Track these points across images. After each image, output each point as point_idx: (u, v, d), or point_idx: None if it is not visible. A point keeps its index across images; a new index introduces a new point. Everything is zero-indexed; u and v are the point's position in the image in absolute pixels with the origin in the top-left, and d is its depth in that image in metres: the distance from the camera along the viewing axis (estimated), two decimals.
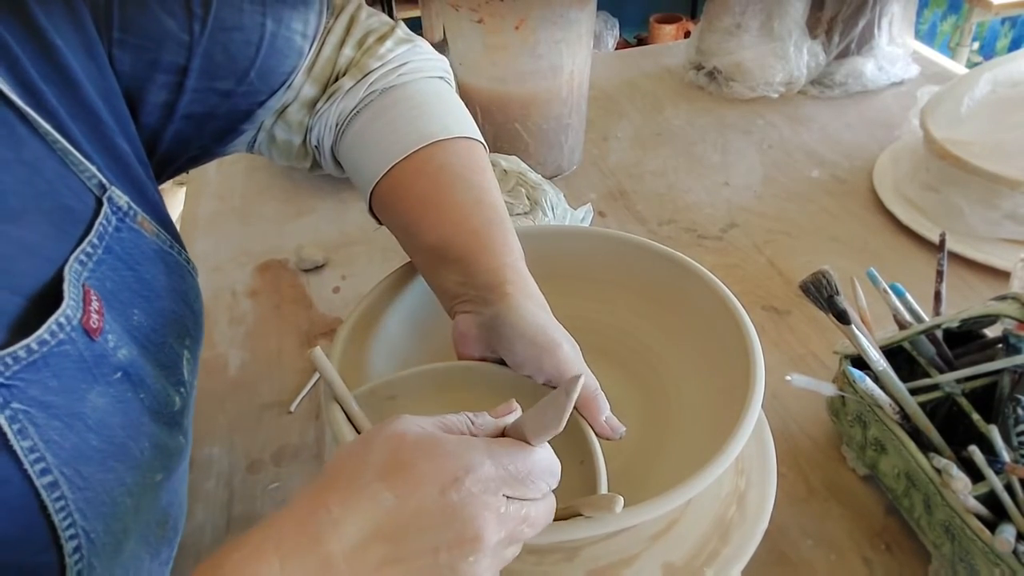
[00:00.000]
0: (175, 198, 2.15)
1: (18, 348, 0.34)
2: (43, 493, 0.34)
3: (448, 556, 0.31)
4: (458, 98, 0.56)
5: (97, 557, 0.37)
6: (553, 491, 0.38)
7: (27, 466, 0.34)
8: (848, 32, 1.16)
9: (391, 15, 2.34)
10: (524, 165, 0.85)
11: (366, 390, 0.46)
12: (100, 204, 0.41)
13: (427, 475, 0.31)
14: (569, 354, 0.44)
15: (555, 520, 0.39)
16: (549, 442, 0.44)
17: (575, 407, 0.43)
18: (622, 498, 0.36)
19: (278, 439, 0.68)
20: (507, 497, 0.33)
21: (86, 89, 0.41)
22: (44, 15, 0.39)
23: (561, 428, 0.34)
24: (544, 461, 0.35)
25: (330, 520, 0.30)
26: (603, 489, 0.40)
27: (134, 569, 0.41)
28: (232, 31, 0.47)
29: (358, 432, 0.44)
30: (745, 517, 0.46)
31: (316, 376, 0.74)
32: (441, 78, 0.56)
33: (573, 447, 0.44)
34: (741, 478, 0.49)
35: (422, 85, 0.54)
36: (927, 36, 2.64)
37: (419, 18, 2.55)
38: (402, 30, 0.55)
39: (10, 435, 0.33)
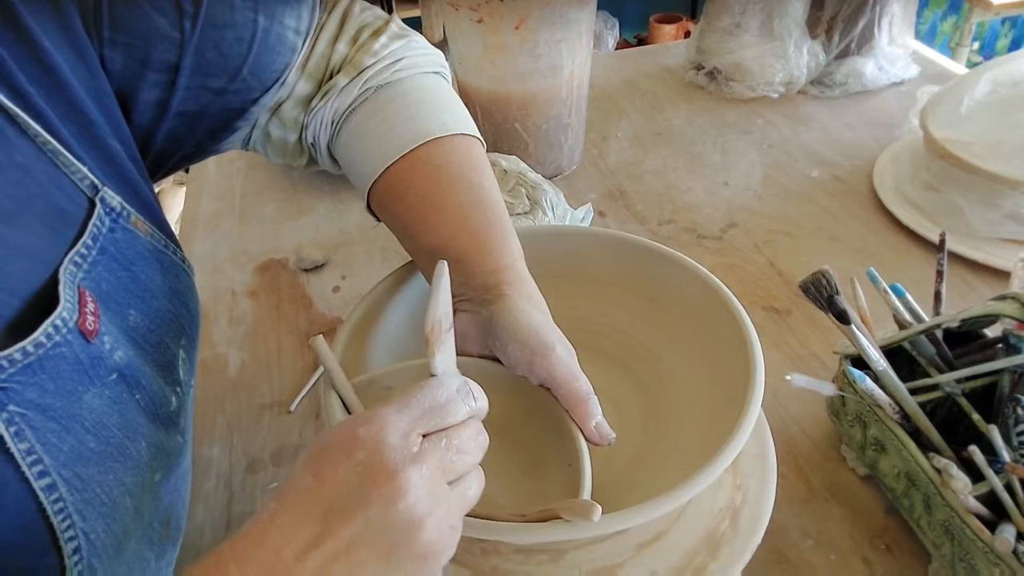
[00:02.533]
0: (175, 198, 2.15)
1: (14, 351, 0.34)
2: (41, 495, 0.34)
3: (379, 510, 0.31)
4: (454, 93, 0.56)
5: (97, 558, 0.37)
6: (541, 491, 0.38)
7: (24, 469, 0.34)
8: (848, 32, 1.16)
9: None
10: (524, 165, 0.85)
11: (364, 380, 0.47)
12: (93, 205, 0.41)
13: (335, 449, 0.32)
14: (561, 357, 0.44)
15: (534, 521, 0.39)
16: (544, 444, 0.44)
17: (568, 411, 0.43)
18: (600, 507, 0.36)
19: (278, 439, 0.68)
20: (422, 436, 0.34)
21: (75, 90, 0.41)
22: (31, 17, 0.39)
23: (428, 326, 0.35)
24: (450, 384, 0.36)
25: (270, 517, 0.31)
26: (586, 495, 0.40)
27: (139, 569, 0.41)
28: (223, 28, 0.47)
29: None
30: (737, 533, 0.46)
31: (316, 376, 0.74)
32: (437, 73, 0.56)
33: (562, 450, 0.43)
34: (738, 493, 0.48)
35: (418, 81, 0.54)
36: (927, 36, 2.64)
37: (419, 18, 2.55)
38: (396, 24, 0.55)
39: (7, 438, 0.33)
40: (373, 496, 0.31)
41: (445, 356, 0.37)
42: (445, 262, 0.37)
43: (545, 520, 0.39)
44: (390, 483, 0.31)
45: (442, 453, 0.34)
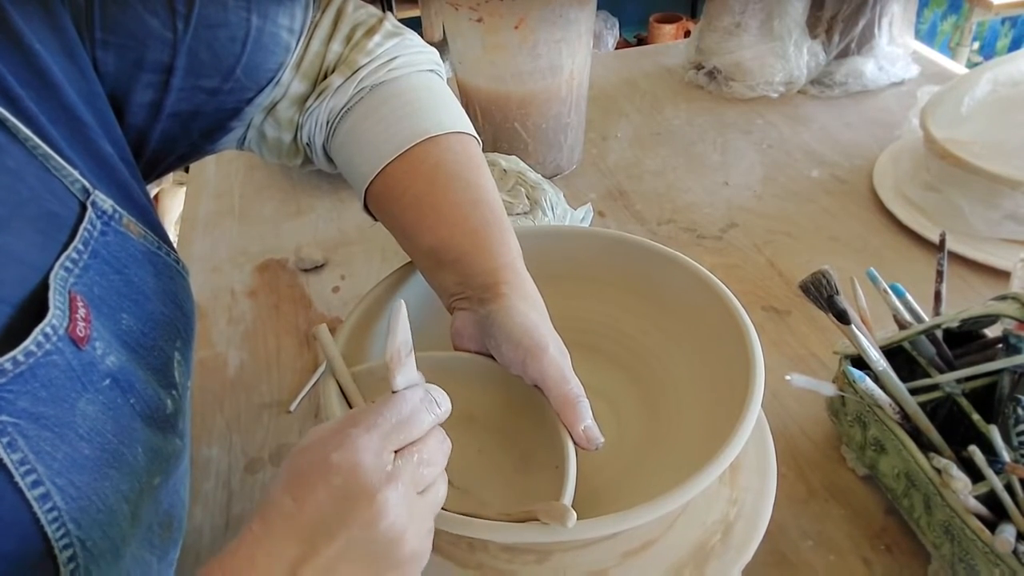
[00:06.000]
0: (175, 198, 2.15)
1: (4, 360, 0.33)
2: (35, 505, 0.34)
3: (360, 531, 0.33)
4: (449, 91, 0.56)
5: (95, 564, 0.37)
6: (530, 490, 0.37)
7: (18, 479, 0.33)
8: (848, 32, 1.16)
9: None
10: (523, 165, 0.85)
11: (364, 369, 0.47)
12: (84, 208, 0.40)
13: (311, 473, 0.33)
14: (554, 359, 0.44)
15: (517, 520, 0.39)
16: (535, 443, 0.43)
17: (558, 413, 0.43)
18: (575, 514, 0.37)
19: (277, 439, 0.68)
20: (394, 452, 0.35)
21: (66, 92, 0.40)
22: (22, 19, 0.39)
23: (388, 356, 0.36)
24: (412, 397, 0.37)
25: (253, 540, 0.32)
26: (567, 499, 0.40)
27: (140, 573, 0.41)
28: (216, 28, 0.46)
29: (350, 407, 0.45)
30: (728, 547, 0.45)
31: (315, 376, 0.74)
32: (432, 71, 0.56)
33: (551, 451, 0.43)
34: (732, 508, 0.48)
35: (413, 80, 0.53)
36: (927, 36, 2.64)
37: (418, 17, 2.55)
38: (390, 22, 0.54)
39: None
40: (354, 519, 0.32)
41: (405, 376, 0.37)
42: (403, 302, 0.38)
43: (526, 521, 0.39)
44: (370, 506, 0.33)
45: (413, 468, 0.35)
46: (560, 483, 0.41)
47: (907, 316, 0.58)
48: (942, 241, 0.60)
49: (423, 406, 0.37)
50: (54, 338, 0.36)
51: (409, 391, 0.37)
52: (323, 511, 0.32)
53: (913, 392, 0.54)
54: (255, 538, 0.32)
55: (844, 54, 1.18)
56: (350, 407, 0.45)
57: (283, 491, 0.33)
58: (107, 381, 0.39)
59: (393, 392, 0.37)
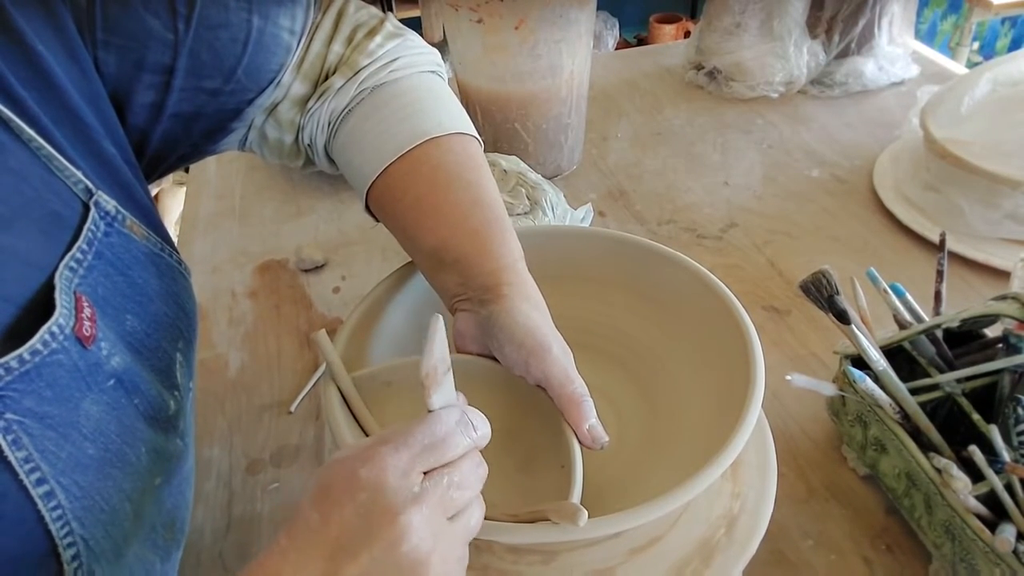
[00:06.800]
0: (175, 198, 2.15)
1: (10, 359, 0.34)
2: (39, 503, 0.34)
3: (383, 552, 0.32)
4: (451, 91, 0.56)
5: (97, 563, 0.37)
6: (535, 490, 0.37)
7: (23, 477, 0.34)
8: (848, 32, 1.16)
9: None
10: (524, 165, 0.85)
11: (366, 374, 0.47)
12: (88, 209, 0.40)
13: (339, 488, 0.33)
14: (557, 359, 0.44)
15: (524, 521, 0.39)
16: (540, 443, 0.43)
17: (562, 413, 0.43)
18: (586, 512, 0.36)
19: (278, 439, 0.68)
20: (424, 473, 0.34)
21: (69, 93, 0.40)
22: (24, 20, 0.39)
23: (423, 372, 0.35)
24: (448, 418, 0.36)
25: (280, 552, 0.32)
26: (576, 498, 0.40)
27: (144, 573, 0.41)
28: (217, 29, 0.46)
29: (352, 413, 0.45)
30: (732, 541, 0.46)
31: (316, 377, 0.74)
32: (433, 72, 0.56)
33: (556, 451, 0.44)
34: (736, 502, 0.48)
35: (414, 81, 0.53)
36: (927, 36, 2.64)
37: (419, 18, 2.55)
38: (391, 23, 0.54)
39: (4, 447, 0.33)
40: (377, 538, 0.32)
41: (442, 395, 0.36)
42: (440, 317, 0.37)
43: (534, 521, 0.39)
44: (392, 526, 0.32)
45: (443, 491, 0.34)
46: (564, 482, 0.41)
47: (907, 316, 0.58)
48: (942, 241, 0.60)
49: (458, 428, 0.36)
50: (60, 337, 0.36)
51: (444, 411, 0.36)
52: (348, 528, 0.32)
53: (913, 392, 0.54)
54: (282, 551, 0.32)
55: (844, 54, 1.18)
56: (352, 413, 0.45)
57: (311, 505, 0.33)
58: (111, 381, 0.39)
59: (428, 411, 0.36)
